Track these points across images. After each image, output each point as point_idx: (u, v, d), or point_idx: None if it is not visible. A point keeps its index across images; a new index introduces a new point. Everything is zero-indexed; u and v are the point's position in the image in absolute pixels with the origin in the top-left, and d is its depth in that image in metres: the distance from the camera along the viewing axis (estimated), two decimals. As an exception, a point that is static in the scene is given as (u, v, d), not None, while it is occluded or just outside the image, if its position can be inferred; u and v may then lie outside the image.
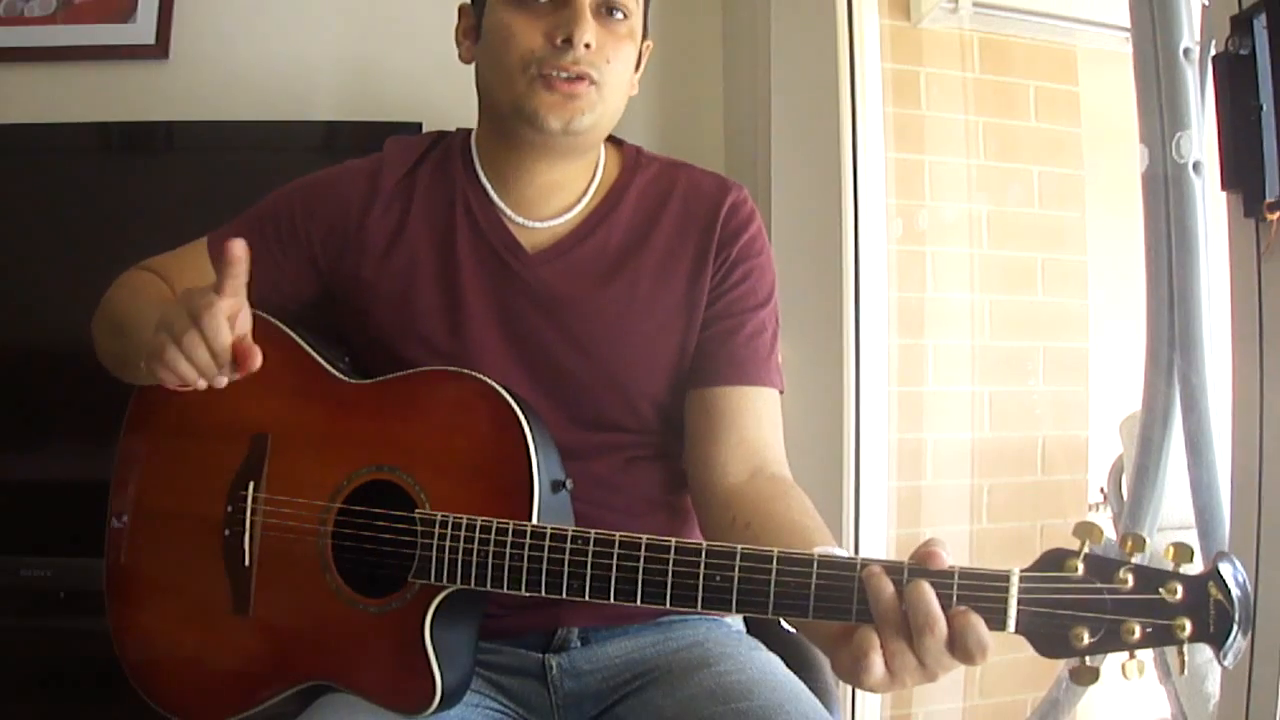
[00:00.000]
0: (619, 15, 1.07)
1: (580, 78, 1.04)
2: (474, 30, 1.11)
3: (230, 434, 1.09)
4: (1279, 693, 1.05)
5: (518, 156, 1.10)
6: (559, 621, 1.10)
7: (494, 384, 1.00)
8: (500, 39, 1.05)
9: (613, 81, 1.07)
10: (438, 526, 0.95)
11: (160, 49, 2.01)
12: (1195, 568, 0.75)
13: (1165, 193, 1.38)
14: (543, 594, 0.90)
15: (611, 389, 1.10)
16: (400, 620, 0.98)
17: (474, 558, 0.93)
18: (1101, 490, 2.43)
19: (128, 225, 1.83)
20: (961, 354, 2.36)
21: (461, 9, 1.14)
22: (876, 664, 0.79)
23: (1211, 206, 1.35)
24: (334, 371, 1.09)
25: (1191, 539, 1.40)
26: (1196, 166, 1.36)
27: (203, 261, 1.15)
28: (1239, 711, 1.09)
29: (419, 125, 1.65)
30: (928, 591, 0.77)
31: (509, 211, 1.12)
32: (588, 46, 1.03)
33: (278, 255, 1.13)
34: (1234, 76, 1.08)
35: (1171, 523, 1.60)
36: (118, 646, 1.14)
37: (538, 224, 1.12)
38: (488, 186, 1.13)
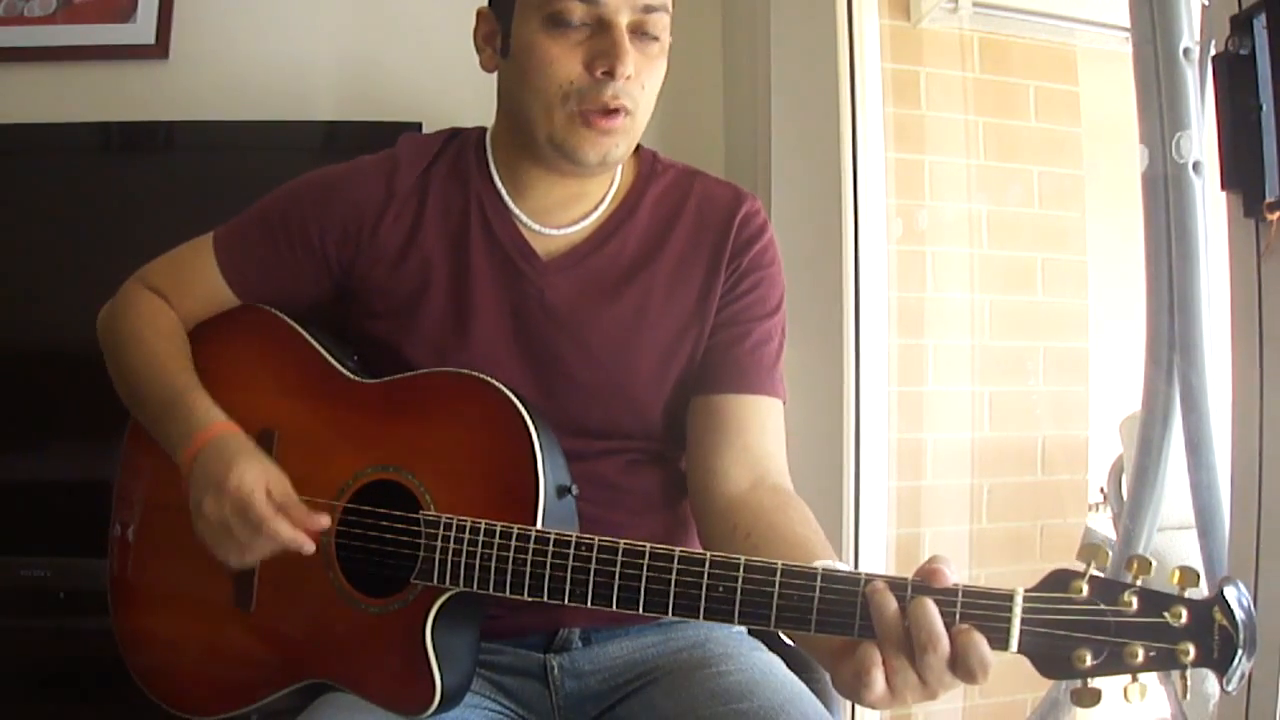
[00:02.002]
0: (653, 35, 1.03)
1: (618, 110, 1.02)
2: (496, 38, 1.08)
3: None
4: (1279, 693, 1.05)
5: (539, 170, 1.09)
6: (560, 622, 1.09)
7: (502, 387, 1.00)
8: (535, 64, 1.02)
9: (646, 105, 1.05)
10: (441, 529, 0.95)
11: (160, 49, 2.01)
12: (1201, 591, 0.74)
13: (1165, 193, 1.38)
14: (544, 600, 0.90)
15: (621, 399, 1.10)
16: (401, 621, 0.98)
17: (476, 561, 0.93)
18: (1101, 490, 2.43)
19: (128, 225, 1.83)
20: (961, 354, 2.36)
21: (480, 14, 1.10)
22: (878, 680, 0.78)
23: (1211, 206, 1.35)
24: (343, 370, 1.09)
25: (1191, 539, 1.40)
26: (1196, 166, 1.36)
27: (208, 266, 1.14)
28: (1239, 711, 1.09)
29: (419, 125, 1.64)
30: (931, 609, 0.77)
31: (524, 218, 1.11)
32: (628, 78, 1.01)
33: (288, 258, 1.12)
34: (1234, 76, 1.08)
35: (1171, 523, 1.60)
36: (119, 640, 1.14)
37: (553, 231, 1.11)
38: (503, 193, 1.11)
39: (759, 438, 1.08)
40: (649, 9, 1.01)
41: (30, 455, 1.85)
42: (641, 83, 1.03)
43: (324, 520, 0.99)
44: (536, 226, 1.10)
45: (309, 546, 0.98)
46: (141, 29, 2.01)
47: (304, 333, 1.12)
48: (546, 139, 1.03)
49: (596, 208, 1.12)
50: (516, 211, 1.11)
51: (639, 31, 1.02)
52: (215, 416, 1.05)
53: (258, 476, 0.98)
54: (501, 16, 1.06)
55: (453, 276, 1.10)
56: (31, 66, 2.00)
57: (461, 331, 1.09)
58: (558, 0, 1.00)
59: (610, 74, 1.00)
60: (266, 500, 0.97)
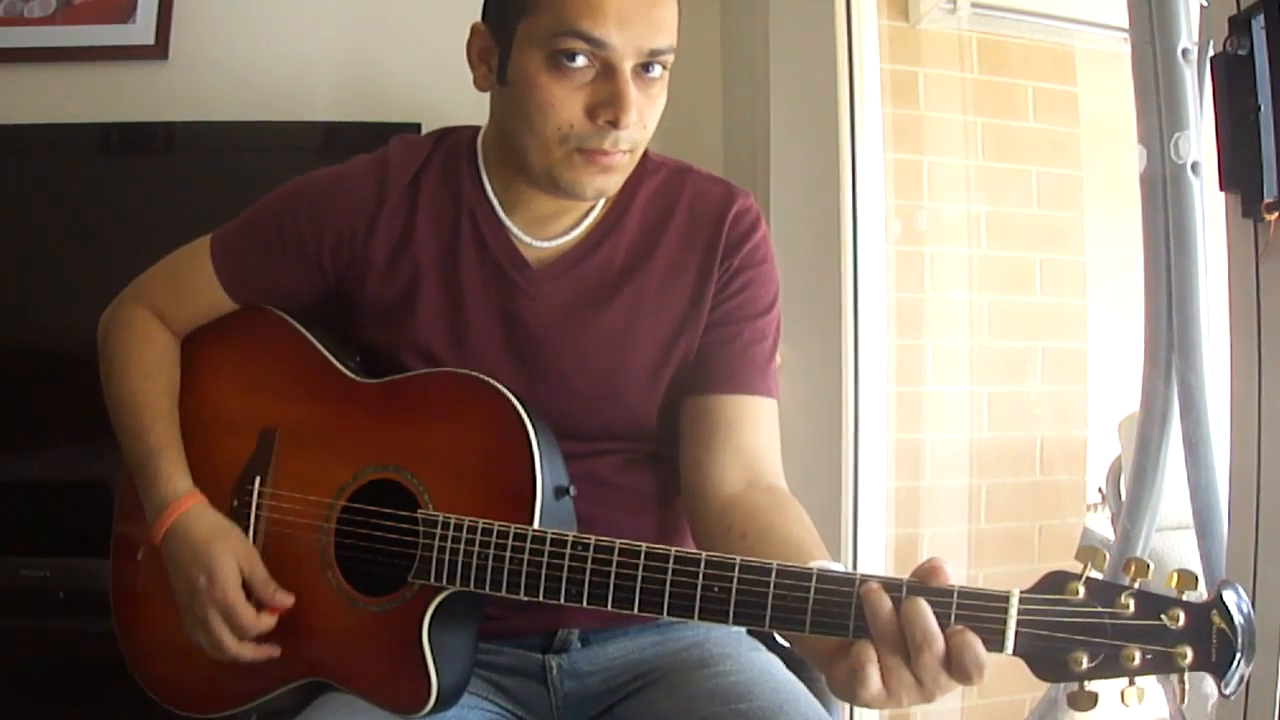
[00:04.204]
0: (657, 71, 0.99)
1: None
2: (491, 58, 1.04)
3: (239, 428, 1.10)
4: (1278, 691, 1.05)
5: (531, 188, 1.07)
6: (559, 622, 1.09)
7: (501, 388, 1.00)
8: (535, 103, 0.98)
9: (647, 139, 1.03)
10: (439, 528, 0.95)
11: (160, 49, 2.01)
12: (1199, 594, 0.74)
13: (1164, 193, 1.39)
14: (541, 599, 0.90)
15: (616, 404, 1.10)
16: (399, 620, 0.98)
17: (474, 560, 0.93)
18: (1100, 490, 2.44)
19: (128, 225, 1.83)
20: (960, 354, 2.36)
21: (475, 30, 1.06)
22: (873, 677, 0.77)
23: (1210, 207, 1.35)
24: (344, 370, 1.09)
25: (1190, 539, 1.41)
26: (1195, 167, 1.36)
27: (204, 273, 1.14)
28: (1237, 710, 1.09)
29: (419, 125, 1.64)
30: (925, 609, 0.76)
31: (516, 230, 1.10)
32: (631, 125, 0.99)
33: (284, 265, 1.12)
34: (1232, 77, 1.08)
35: (1170, 523, 1.60)
36: (121, 639, 1.15)
37: (544, 243, 1.10)
38: (495, 204, 1.10)
39: (752, 437, 1.08)
40: (655, 53, 0.98)
41: (30, 455, 1.85)
42: (645, 123, 1.01)
43: (288, 600, 1.03)
44: (528, 238, 1.09)
45: (275, 653, 1.03)
46: (141, 29, 2.01)
47: (306, 333, 1.12)
48: (543, 173, 1.01)
49: (588, 215, 1.11)
50: (508, 223, 1.10)
51: (644, 68, 0.99)
52: (178, 490, 1.07)
53: (232, 572, 1.02)
54: (499, 39, 1.02)
55: (444, 285, 1.09)
56: (31, 67, 2.00)
57: (454, 340, 1.09)
58: (562, 40, 0.95)
59: (614, 124, 0.97)
60: (247, 605, 1.01)
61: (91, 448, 1.73)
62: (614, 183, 1.03)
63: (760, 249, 1.12)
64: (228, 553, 1.02)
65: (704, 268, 1.10)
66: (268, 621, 1.02)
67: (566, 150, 0.99)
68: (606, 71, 0.97)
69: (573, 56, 0.96)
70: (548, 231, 1.10)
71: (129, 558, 1.15)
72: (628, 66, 0.97)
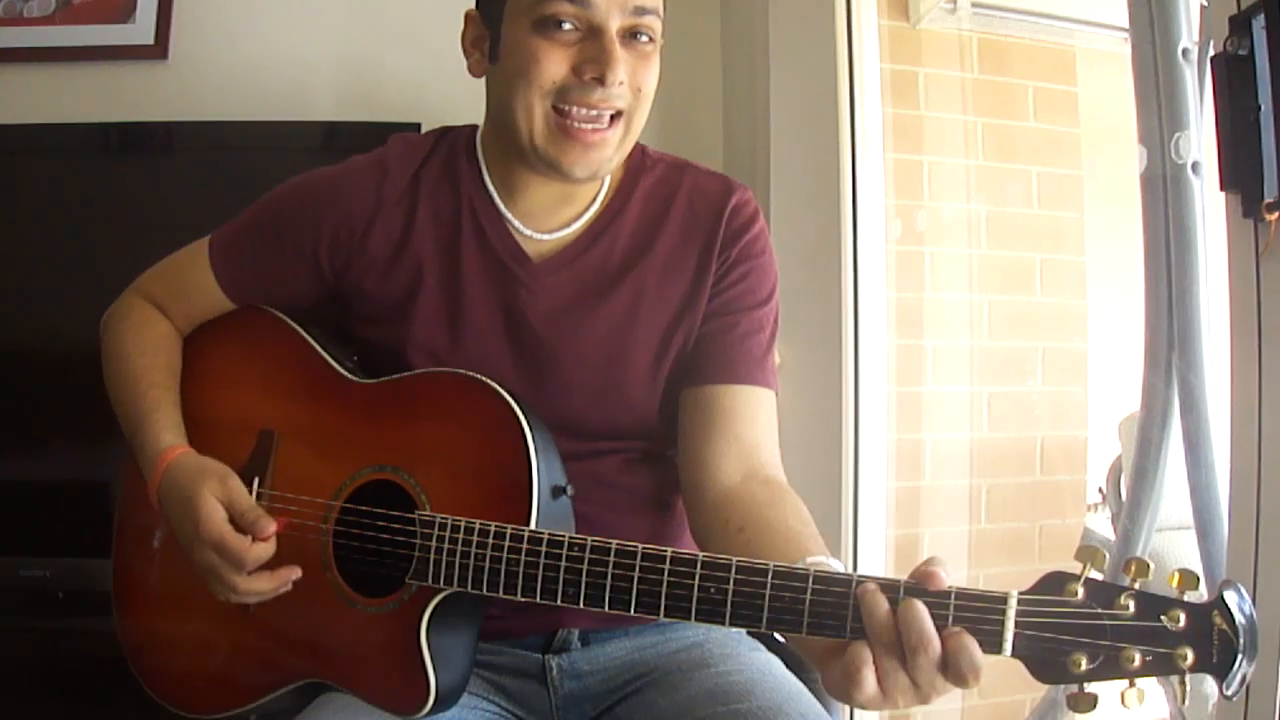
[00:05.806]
0: (645, 39, 1.02)
1: (606, 117, 1.01)
2: (484, 42, 1.07)
3: (238, 429, 1.10)
4: (1278, 691, 1.05)
5: (528, 176, 1.08)
6: (559, 623, 1.09)
7: (498, 387, 1.00)
8: (522, 64, 1.00)
9: (641, 109, 1.04)
10: (436, 529, 0.95)
11: (159, 49, 2.01)
12: (1200, 594, 0.73)
13: (1164, 193, 1.39)
14: (538, 600, 0.90)
15: (617, 398, 1.10)
16: (397, 621, 0.98)
17: (470, 561, 0.93)
18: (1100, 490, 2.44)
19: (127, 225, 1.83)
20: (960, 354, 2.36)
21: (468, 16, 1.09)
22: (869, 680, 0.77)
23: (1210, 207, 1.35)
24: (341, 371, 1.09)
25: (1190, 539, 1.41)
26: (1195, 167, 1.36)
27: (203, 272, 1.14)
28: (1238, 711, 1.09)
29: (418, 125, 1.64)
30: (921, 611, 0.76)
31: (516, 223, 1.10)
32: (621, 84, 1.00)
33: (280, 265, 1.13)
34: (1232, 77, 1.08)
35: (1170, 523, 1.60)
36: (122, 637, 1.15)
37: (545, 235, 1.10)
38: (495, 197, 1.11)
39: (750, 428, 1.08)
40: (641, 11, 1.00)
41: (30, 455, 1.85)
42: (637, 85, 1.02)
43: (271, 525, 1.00)
44: (528, 231, 1.10)
45: (295, 574, 1.01)
46: (141, 29, 2.01)
47: (304, 333, 1.13)
48: (532, 148, 1.02)
49: (588, 208, 1.11)
50: (508, 215, 1.10)
51: (631, 34, 1.01)
52: (163, 443, 1.07)
53: (214, 509, 1.00)
54: (490, 21, 1.05)
55: (444, 280, 1.10)
56: (31, 67, 2.00)
57: (454, 336, 1.09)
58: (548, 4, 0.98)
59: (600, 80, 0.99)
60: (236, 536, 0.99)
61: (91, 448, 1.74)
62: (601, 160, 1.03)
63: (758, 241, 1.13)
64: (208, 491, 1.01)
65: (702, 259, 1.11)
66: (262, 549, 1.00)
67: (552, 127, 1.00)
68: (592, 33, 0.99)
69: (559, 23, 0.99)
70: (547, 224, 1.10)
71: (130, 554, 1.15)
72: (613, 26, 0.99)
